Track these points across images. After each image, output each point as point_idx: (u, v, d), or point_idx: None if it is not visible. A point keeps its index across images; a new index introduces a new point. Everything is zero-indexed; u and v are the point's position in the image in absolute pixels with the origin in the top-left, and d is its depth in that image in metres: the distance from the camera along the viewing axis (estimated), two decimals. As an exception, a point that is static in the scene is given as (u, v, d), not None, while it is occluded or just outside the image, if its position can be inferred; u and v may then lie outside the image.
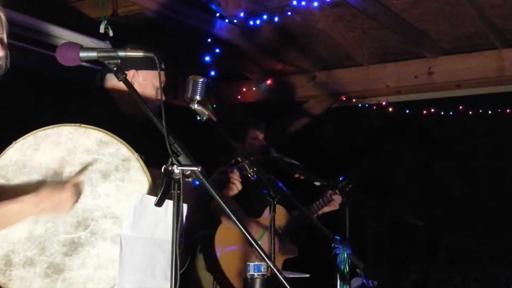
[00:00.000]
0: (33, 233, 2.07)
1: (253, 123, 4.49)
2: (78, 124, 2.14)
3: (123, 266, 1.98)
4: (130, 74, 2.89)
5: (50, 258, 2.06)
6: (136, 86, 2.84)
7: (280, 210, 4.03)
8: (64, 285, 2.05)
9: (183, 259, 3.14)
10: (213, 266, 3.91)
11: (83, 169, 2.10)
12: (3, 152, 2.11)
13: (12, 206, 1.97)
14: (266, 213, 4.19)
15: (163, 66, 2.95)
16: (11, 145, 2.11)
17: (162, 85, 2.94)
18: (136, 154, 2.11)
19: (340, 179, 4.42)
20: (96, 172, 2.11)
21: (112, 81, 2.87)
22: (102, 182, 2.10)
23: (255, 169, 3.46)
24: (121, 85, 2.85)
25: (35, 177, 2.09)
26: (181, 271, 3.03)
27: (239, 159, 3.53)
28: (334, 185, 4.38)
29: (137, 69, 2.87)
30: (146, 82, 2.87)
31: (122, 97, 2.81)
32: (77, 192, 2.05)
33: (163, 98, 2.97)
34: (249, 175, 3.49)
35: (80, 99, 2.83)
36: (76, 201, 2.05)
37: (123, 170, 2.11)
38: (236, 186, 3.34)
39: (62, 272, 2.06)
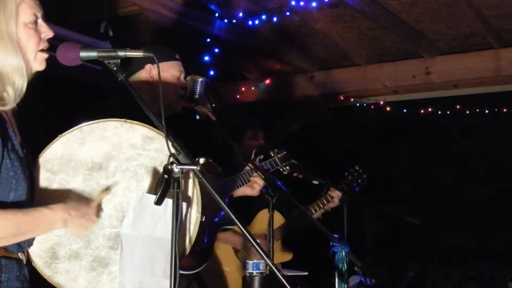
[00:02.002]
0: None
1: (251, 123, 4.50)
2: (124, 120, 2.12)
3: (123, 264, 1.99)
4: (147, 69, 2.91)
5: (96, 251, 2.06)
6: (155, 79, 2.88)
7: (276, 214, 3.99)
8: (110, 278, 2.05)
9: (205, 256, 3.15)
10: None
11: (107, 189, 2.09)
12: (49, 145, 2.09)
13: (45, 212, 1.94)
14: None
15: (177, 57, 3.00)
16: (56, 139, 2.10)
17: (183, 74, 3.01)
18: None
19: (346, 174, 4.37)
20: (142, 167, 2.09)
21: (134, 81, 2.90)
22: (147, 177, 2.09)
23: (287, 163, 3.47)
24: (142, 85, 2.88)
25: (80, 171, 2.08)
26: (201, 268, 3.04)
27: (271, 153, 3.53)
28: (337, 181, 4.33)
29: (152, 63, 2.88)
30: (164, 74, 2.85)
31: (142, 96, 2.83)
32: (99, 208, 2.06)
33: (183, 99, 3.01)
34: (281, 170, 3.50)
35: (105, 101, 2.84)
36: (98, 216, 2.05)
37: None
38: (259, 185, 3.32)
39: (108, 265, 2.05)
